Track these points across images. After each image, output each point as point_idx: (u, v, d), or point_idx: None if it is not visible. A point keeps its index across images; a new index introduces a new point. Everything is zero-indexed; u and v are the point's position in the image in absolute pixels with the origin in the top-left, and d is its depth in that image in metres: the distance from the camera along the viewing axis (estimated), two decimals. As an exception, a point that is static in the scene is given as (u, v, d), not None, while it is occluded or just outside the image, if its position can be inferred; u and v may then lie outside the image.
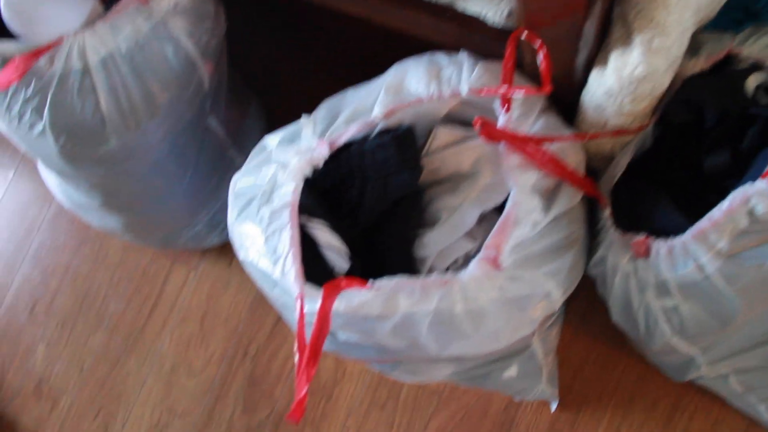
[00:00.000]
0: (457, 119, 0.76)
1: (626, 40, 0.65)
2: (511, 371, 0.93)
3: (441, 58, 0.77)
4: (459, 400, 1.07)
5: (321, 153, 0.73)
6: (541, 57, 0.65)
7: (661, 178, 0.78)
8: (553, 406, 1.04)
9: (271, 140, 0.78)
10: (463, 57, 0.76)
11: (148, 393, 1.23)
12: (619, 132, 0.73)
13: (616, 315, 0.80)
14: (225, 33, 0.96)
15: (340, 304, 0.65)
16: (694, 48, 0.75)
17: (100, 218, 1.09)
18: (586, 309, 1.04)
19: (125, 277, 1.27)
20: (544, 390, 1.00)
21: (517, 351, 0.90)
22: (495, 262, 0.66)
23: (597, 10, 0.62)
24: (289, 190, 0.70)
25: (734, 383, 0.89)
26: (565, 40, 0.66)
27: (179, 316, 1.23)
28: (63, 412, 1.27)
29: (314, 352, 0.59)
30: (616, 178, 0.75)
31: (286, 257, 0.67)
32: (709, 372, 0.85)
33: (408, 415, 1.09)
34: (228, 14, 0.96)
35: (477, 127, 0.67)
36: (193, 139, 0.98)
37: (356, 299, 0.64)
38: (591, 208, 0.79)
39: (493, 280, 0.66)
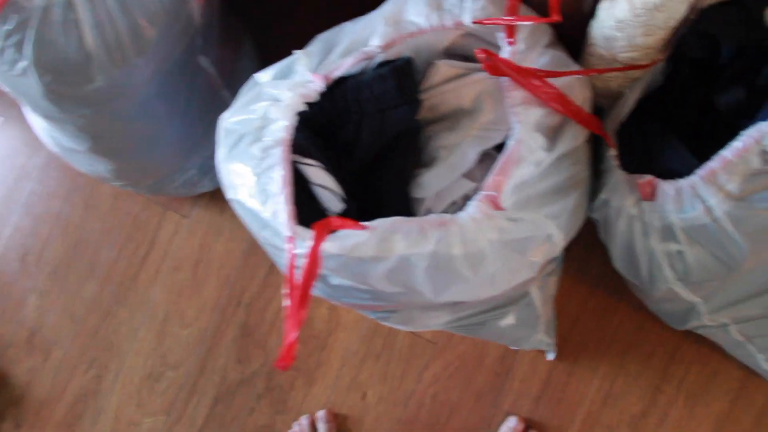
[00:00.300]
0: (459, 53, 0.73)
1: (640, -34, 0.61)
2: (509, 319, 0.91)
3: (443, -13, 0.73)
4: (454, 349, 1.06)
5: (315, 87, 0.69)
6: (547, -16, 0.62)
7: (670, 117, 0.74)
8: (550, 356, 1.02)
9: (263, 76, 0.75)
10: (468, -14, 0.72)
11: (141, 343, 1.22)
12: (629, 67, 0.70)
13: (618, 261, 0.78)
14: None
15: (333, 246, 0.62)
16: (709, -22, 0.71)
17: (89, 163, 1.06)
18: (585, 257, 1.02)
19: (117, 225, 1.24)
20: (542, 339, 0.98)
21: (515, 298, 0.88)
22: (495, 203, 0.63)
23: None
24: (282, 126, 0.67)
25: (734, 332, 0.87)
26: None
27: (172, 264, 1.20)
28: (56, 362, 1.26)
29: (304, 295, 0.57)
30: (623, 117, 0.72)
31: (276, 197, 0.64)
32: (710, 320, 0.83)
33: (403, 364, 1.07)
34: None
35: (481, 57, 0.63)
36: (182, 79, 0.95)
37: (350, 240, 0.61)
38: (596, 148, 0.76)
39: (493, 220, 0.63)
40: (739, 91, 0.68)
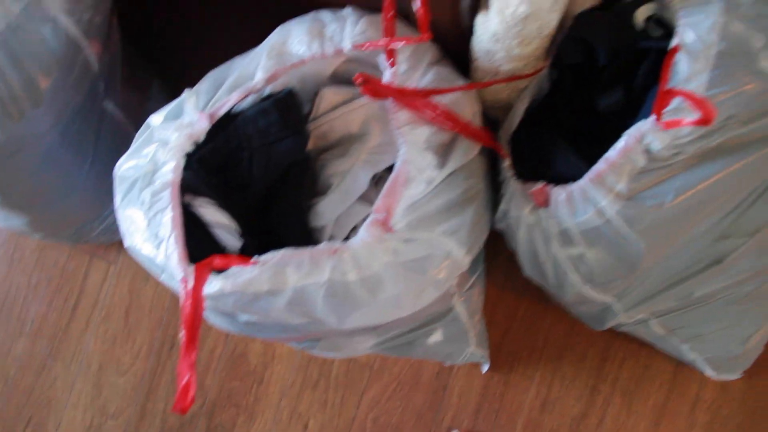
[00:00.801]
0: (346, 79, 0.73)
1: (504, -20, 0.62)
2: (437, 336, 0.91)
3: (325, 15, 0.73)
4: (390, 371, 1.05)
5: (201, 126, 0.69)
6: (417, 4, 0.62)
7: (560, 123, 0.76)
8: (485, 368, 1.02)
9: (156, 119, 0.74)
10: (348, 12, 0.72)
11: (78, 395, 1.19)
12: (512, 78, 0.71)
13: (527, 269, 0.78)
14: (113, 8, 0.91)
15: (227, 284, 0.61)
16: (583, -16, 0.73)
17: (3, 218, 1.03)
18: (509, 267, 1.02)
19: (44, 277, 1.22)
20: (474, 352, 0.99)
21: (440, 315, 0.88)
22: (386, 225, 0.63)
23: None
24: (170, 168, 0.67)
25: (655, 326, 0.88)
26: (441, -15, 0.63)
27: (102, 313, 1.18)
28: (-7, 425, 1.22)
29: (191, 337, 0.56)
30: (514, 127, 0.73)
31: (168, 240, 0.63)
32: (628, 318, 0.84)
33: (341, 391, 1.07)
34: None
35: (358, 83, 0.64)
36: (88, 126, 0.93)
37: (242, 277, 0.61)
38: (493, 160, 0.76)
39: (385, 243, 0.63)
40: (616, 92, 0.69)
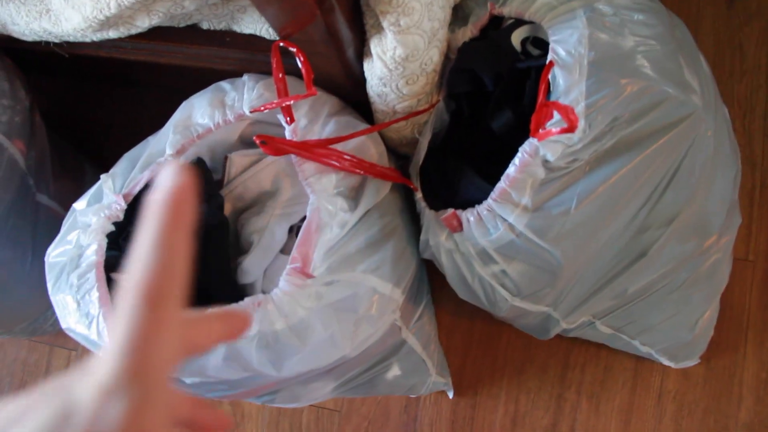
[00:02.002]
0: (252, 141, 0.76)
1: (378, 26, 0.66)
2: (395, 371, 0.93)
3: (225, 85, 0.77)
4: (358, 412, 1.06)
5: (118, 207, 0.71)
6: (299, 62, 0.66)
7: (465, 150, 0.79)
8: (450, 394, 1.04)
9: (79, 204, 0.77)
10: (246, 79, 0.76)
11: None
12: (410, 115, 0.74)
13: (460, 292, 0.81)
14: (33, 106, 0.94)
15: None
16: (463, 17, 0.77)
17: (-46, 320, 1.05)
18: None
19: (6, 374, 1.22)
20: (436, 381, 1.00)
21: (393, 350, 0.90)
22: (305, 272, 0.65)
23: (336, 8, 0.63)
24: (93, 250, 0.69)
25: (601, 327, 0.91)
26: (321, 41, 0.66)
27: (71, 400, 1.18)
28: None
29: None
30: (420, 160, 0.76)
31: (97, 318, 0.65)
32: (570, 324, 0.86)
33: (314, 440, 1.07)
34: (41, 85, 0.95)
35: (259, 143, 0.67)
36: (23, 220, 0.95)
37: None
38: (409, 194, 0.79)
39: (306, 290, 0.65)
40: (505, 113, 0.73)
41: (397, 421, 1.05)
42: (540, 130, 0.61)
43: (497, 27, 0.76)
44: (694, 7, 1.13)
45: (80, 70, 1.13)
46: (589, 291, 0.82)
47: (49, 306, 1.06)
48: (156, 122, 0.81)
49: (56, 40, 0.80)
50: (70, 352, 1.19)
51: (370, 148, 0.73)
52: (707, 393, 1.02)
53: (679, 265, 0.83)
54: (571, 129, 0.58)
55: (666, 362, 1.00)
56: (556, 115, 0.66)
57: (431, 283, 1.02)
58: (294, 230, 0.74)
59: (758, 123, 1.09)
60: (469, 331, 1.06)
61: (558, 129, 0.59)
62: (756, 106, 1.10)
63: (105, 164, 1.12)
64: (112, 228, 0.71)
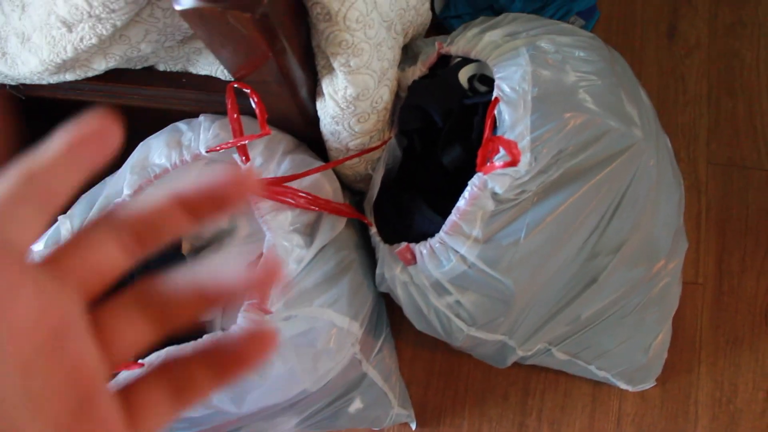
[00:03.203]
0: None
1: (330, 67, 0.68)
2: (357, 404, 0.94)
3: (181, 125, 0.78)
4: (322, 446, 1.06)
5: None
6: (254, 103, 0.67)
7: (418, 184, 0.81)
8: (413, 426, 1.04)
9: (36, 246, 0.77)
10: (202, 119, 0.77)
11: None
12: (363, 152, 0.76)
13: (417, 324, 0.82)
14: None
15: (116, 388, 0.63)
16: (413, 56, 0.80)
17: None
18: (417, 323, 1.06)
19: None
20: (399, 413, 1.01)
21: (354, 383, 0.90)
22: (262, 308, 0.66)
23: (288, 50, 0.65)
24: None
25: (557, 354, 0.93)
26: (274, 82, 0.68)
27: None
28: None
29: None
30: (374, 195, 0.78)
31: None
32: (526, 351, 0.88)
33: (280, 477, 1.07)
34: None
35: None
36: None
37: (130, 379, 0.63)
38: (364, 230, 0.81)
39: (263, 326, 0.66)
40: (455, 148, 0.75)
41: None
42: (487, 164, 0.64)
43: (445, 65, 0.79)
44: (638, 39, 1.19)
45: (36, 112, 1.13)
46: (543, 318, 0.84)
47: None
48: (113, 163, 0.81)
49: (12, 83, 0.80)
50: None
51: (324, 185, 0.75)
52: (664, 414, 1.04)
53: (630, 290, 0.86)
54: (513, 163, 0.60)
55: (623, 386, 1.02)
56: (502, 149, 0.69)
57: (390, 315, 1.03)
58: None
59: (701, 150, 1.14)
60: (430, 363, 1.07)
61: (501, 163, 0.61)
62: (699, 134, 1.15)
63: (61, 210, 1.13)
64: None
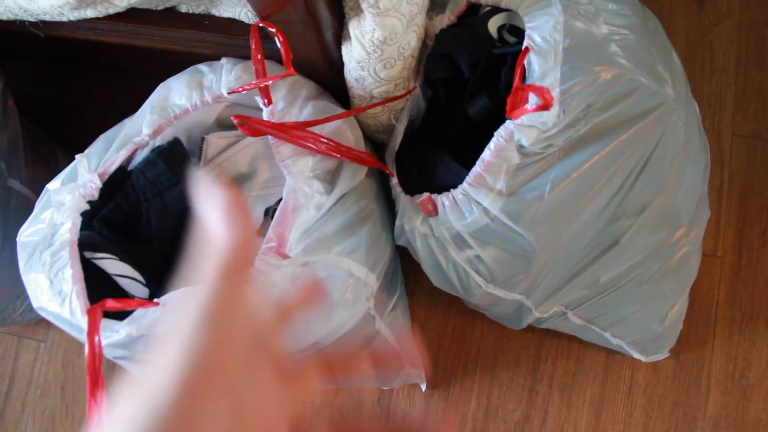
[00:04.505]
0: (230, 123, 0.76)
1: (358, 8, 0.66)
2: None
3: (203, 67, 0.76)
4: (332, 405, 1.06)
5: (93, 185, 0.71)
6: (278, 43, 0.66)
7: (441, 136, 0.79)
8: (423, 387, 1.04)
9: (53, 184, 0.76)
10: (224, 62, 0.76)
11: (25, 481, 1.16)
12: (387, 100, 0.75)
13: (434, 279, 0.81)
14: (5, 91, 0.93)
15: (132, 328, 0.63)
16: (441, 4, 0.78)
17: None
18: (432, 284, 1.05)
19: (-25, 366, 1.20)
20: (410, 373, 1.00)
21: (366, 341, 0.90)
22: (280, 252, 0.65)
23: (316, -13, 0.63)
24: (67, 228, 0.68)
25: (573, 318, 0.92)
26: (300, 22, 0.67)
27: (38, 392, 1.16)
28: None
29: (93, 378, 0.57)
30: (396, 146, 0.76)
31: (71, 295, 0.64)
32: (543, 313, 0.87)
33: (287, 432, 1.07)
34: (14, 70, 0.93)
35: (237, 123, 0.67)
36: (-7, 206, 0.94)
37: (146, 319, 0.62)
38: (385, 180, 0.80)
39: (282, 270, 0.65)
40: (481, 99, 0.73)
41: (369, 414, 1.05)
42: (516, 112, 0.62)
43: (475, 14, 0.77)
44: (667, 5, 1.16)
45: (55, 53, 1.12)
46: (562, 279, 0.83)
47: (19, 294, 1.05)
48: (131, 109, 0.80)
49: (32, 19, 0.79)
50: (39, 343, 1.17)
51: (346, 132, 0.74)
52: (676, 386, 1.03)
53: (650, 256, 0.85)
54: (546, 107, 0.59)
55: (636, 355, 1.01)
56: (532, 99, 0.67)
57: (406, 275, 1.02)
58: (270, 213, 0.74)
59: (727, 121, 1.12)
60: (442, 325, 1.06)
61: (534, 107, 0.60)
62: (725, 104, 1.13)
63: (78, 151, 1.12)
64: (87, 207, 0.70)
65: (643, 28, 0.75)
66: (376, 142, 0.85)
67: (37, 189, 1.01)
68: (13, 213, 0.97)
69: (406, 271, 1.01)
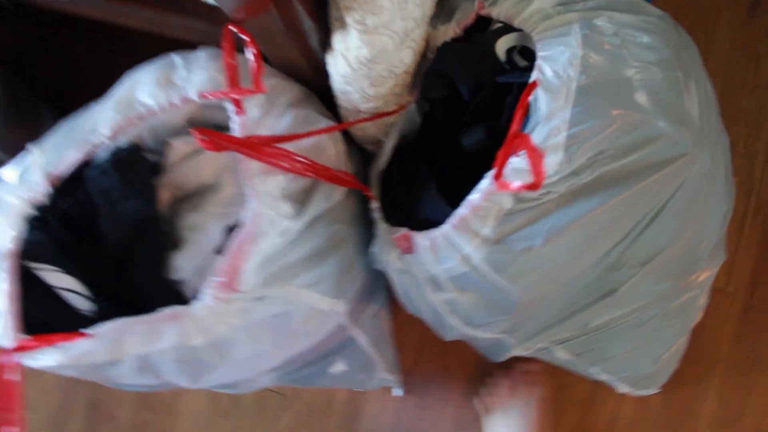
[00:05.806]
0: (202, 125, 0.69)
1: (343, 21, 0.58)
2: (339, 366, 0.89)
3: (177, 58, 0.69)
4: (301, 398, 1.03)
5: (42, 190, 0.64)
6: (251, 56, 0.58)
7: (433, 157, 0.72)
8: (397, 392, 1.00)
9: (6, 173, 0.69)
10: (200, 55, 0.68)
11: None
12: (377, 116, 0.67)
13: (407, 308, 0.75)
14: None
15: (63, 357, 0.58)
16: (448, 11, 0.68)
17: None
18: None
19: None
20: (385, 378, 0.96)
21: (338, 348, 0.85)
22: (231, 286, 0.59)
23: (295, -3, 0.55)
24: (7, 238, 0.62)
25: (559, 352, 0.86)
26: (278, 32, 0.58)
27: None
28: None
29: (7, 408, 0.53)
30: (382, 165, 0.69)
31: (4, 316, 0.59)
32: (524, 350, 0.81)
33: (254, 419, 1.04)
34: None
35: (198, 137, 0.59)
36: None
37: (75, 350, 0.57)
38: (365, 200, 0.73)
39: (232, 305, 0.60)
40: (478, 131, 0.65)
41: (338, 413, 1.02)
42: (506, 170, 0.54)
43: (484, 29, 0.67)
44: (713, 10, 1.04)
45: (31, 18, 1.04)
46: (548, 323, 0.77)
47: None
48: (122, 65, 0.73)
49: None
50: None
51: (328, 147, 0.66)
52: (661, 424, 0.98)
53: (649, 304, 0.78)
54: (534, 186, 0.51)
55: (624, 389, 0.95)
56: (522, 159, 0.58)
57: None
58: (233, 229, 0.68)
59: (762, 143, 1.02)
60: (424, 332, 1.01)
61: (518, 185, 0.52)
62: (763, 123, 1.02)
63: (66, 109, 1.05)
64: (35, 213, 0.64)
65: (675, 63, 0.65)
66: (365, 152, 0.78)
67: (16, 153, 0.96)
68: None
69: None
